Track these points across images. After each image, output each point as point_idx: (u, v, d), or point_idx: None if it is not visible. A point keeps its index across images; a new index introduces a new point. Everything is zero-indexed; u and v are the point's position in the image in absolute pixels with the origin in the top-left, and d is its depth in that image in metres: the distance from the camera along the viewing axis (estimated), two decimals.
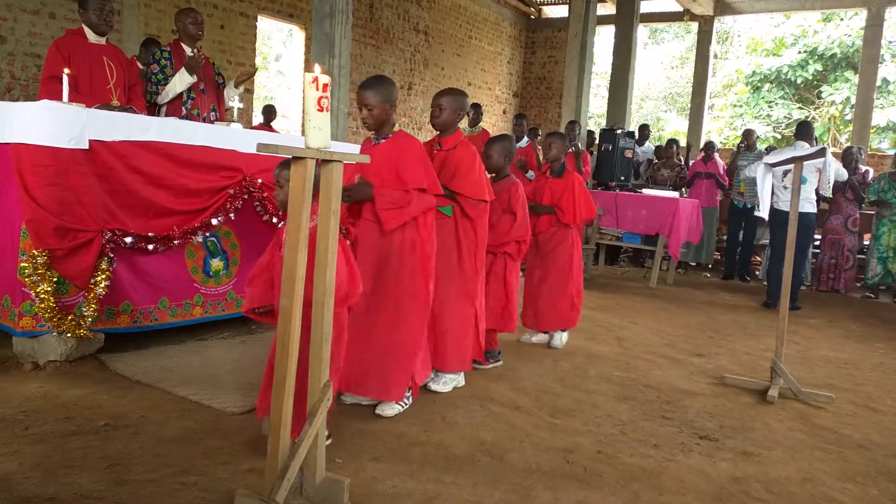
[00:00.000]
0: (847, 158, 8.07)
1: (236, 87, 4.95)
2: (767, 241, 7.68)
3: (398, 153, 2.99)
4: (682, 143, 11.16)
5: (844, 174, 7.22)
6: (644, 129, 9.87)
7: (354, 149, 4.87)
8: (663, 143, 10.04)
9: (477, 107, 8.24)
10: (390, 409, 3.05)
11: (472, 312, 3.46)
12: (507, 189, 3.83)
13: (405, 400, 3.11)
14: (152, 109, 4.53)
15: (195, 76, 4.52)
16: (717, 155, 8.81)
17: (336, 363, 2.68)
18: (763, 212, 4.58)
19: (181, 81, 4.50)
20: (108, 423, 2.71)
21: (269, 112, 8.78)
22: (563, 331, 4.56)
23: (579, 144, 7.87)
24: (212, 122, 4.60)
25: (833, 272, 8.01)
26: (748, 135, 8.49)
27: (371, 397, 3.06)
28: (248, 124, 9.09)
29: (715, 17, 13.51)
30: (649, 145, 10.22)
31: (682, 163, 9.59)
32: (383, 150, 3.00)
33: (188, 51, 4.60)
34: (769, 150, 8.49)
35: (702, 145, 9.56)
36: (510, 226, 3.83)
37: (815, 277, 8.14)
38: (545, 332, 4.59)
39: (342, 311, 2.62)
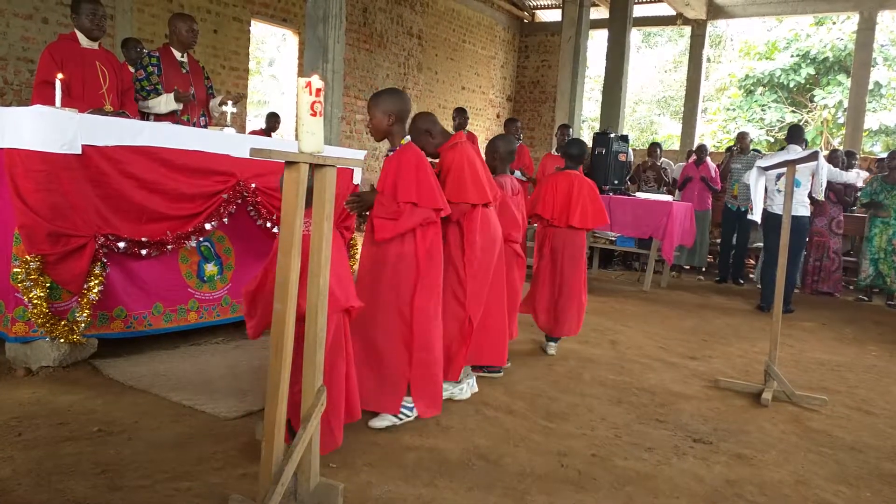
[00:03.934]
0: (833, 161, 8.09)
1: (220, 104, 4.81)
2: (761, 245, 7.69)
3: (397, 166, 2.99)
4: (676, 146, 11.18)
5: (844, 176, 7.24)
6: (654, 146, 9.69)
7: (348, 153, 4.88)
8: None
9: (462, 111, 8.21)
10: (381, 422, 2.98)
11: (464, 316, 3.43)
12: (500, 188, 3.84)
13: (402, 413, 3.01)
14: (141, 114, 4.49)
15: (181, 105, 4.49)
16: (708, 158, 8.84)
17: (339, 384, 2.57)
18: (756, 215, 4.60)
19: (166, 105, 4.45)
20: (101, 429, 2.70)
21: (273, 120, 8.77)
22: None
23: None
24: (202, 127, 4.58)
25: (817, 274, 8.02)
26: (742, 138, 8.51)
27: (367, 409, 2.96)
28: (241, 129, 9.08)
29: (708, 21, 13.59)
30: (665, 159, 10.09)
31: (660, 164, 9.45)
32: (390, 162, 3.06)
33: (178, 55, 4.58)
34: (756, 151, 8.50)
35: (693, 147, 9.53)
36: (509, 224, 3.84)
37: (801, 280, 8.16)
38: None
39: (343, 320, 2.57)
